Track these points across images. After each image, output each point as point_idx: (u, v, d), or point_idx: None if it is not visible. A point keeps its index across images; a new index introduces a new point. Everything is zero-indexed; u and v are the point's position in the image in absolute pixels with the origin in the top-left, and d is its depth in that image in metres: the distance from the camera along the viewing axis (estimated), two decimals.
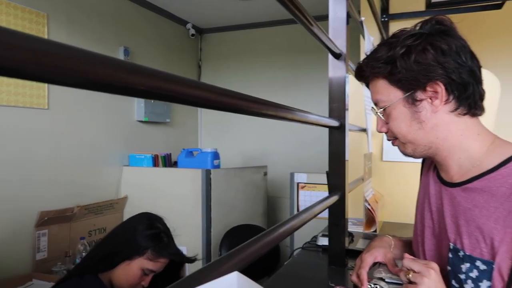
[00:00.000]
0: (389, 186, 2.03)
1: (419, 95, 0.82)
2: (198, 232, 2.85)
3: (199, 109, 4.34)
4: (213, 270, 0.52)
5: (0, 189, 2.29)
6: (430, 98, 0.81)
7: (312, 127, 1.14)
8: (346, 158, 1.22)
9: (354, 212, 1.81)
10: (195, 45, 4.33)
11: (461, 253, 0.79)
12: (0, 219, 2.28)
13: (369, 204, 1.60)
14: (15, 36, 0.24)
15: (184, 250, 2.94)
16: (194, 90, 0.47)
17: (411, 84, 0.82)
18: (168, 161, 3.30)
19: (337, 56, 1.22)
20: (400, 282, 1.04)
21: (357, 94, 1.79)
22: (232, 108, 0.61)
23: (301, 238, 1.85)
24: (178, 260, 1.32)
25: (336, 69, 1.23)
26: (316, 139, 3.58)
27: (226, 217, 2.99)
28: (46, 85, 2.57)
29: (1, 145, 2.31)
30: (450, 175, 0.87)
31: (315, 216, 0.96)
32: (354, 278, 0.97)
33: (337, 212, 1.21)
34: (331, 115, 1.22)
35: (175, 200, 2.92)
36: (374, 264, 0.98)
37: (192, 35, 4.11)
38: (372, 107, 0.95)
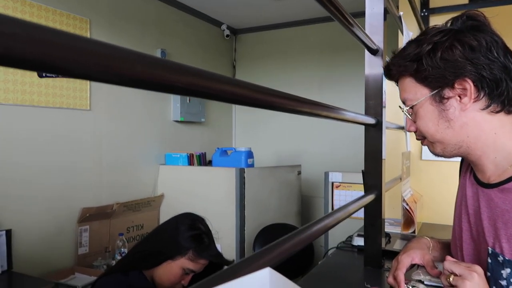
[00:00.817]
0: (429, 186, 1.96)
1: (447, 92, 0.80)
2: (232, 230, 2.87)
3: (233, 108, 4.38)
4: (245, 267, 0.52)
5: (45, 188, 2.41)
6: (459, 96, 0.79)
7: (347, 126, 1.12)
8: (383, 156, 1.18)
9: (391, 212, 1.76)
10: (229, 46, 4.37)
11: (500, 258, 0.76)
12: (45, 216, 2.40)
13: (407, 204, 1.55)
14: (64, 37, 0.25)
15: (218, 247, 2.98)
16: (230, 87, 0.47)
17: (438, 82, 0.80)
18: (203, 160, 3.35)
19: (374, 52, 1.19)
20: (440, 285, 1.00)
21: (394, 91, 1.75)
22: (268, 105, 0.61)
23: (335, 238, 1.82)
24: (218, 262, 1.34)
25: (373, 65, 1.21)
26: (351, 138, 3.52)
27: (260, 216, 3.00)
28: (88, 87, 2.68)
29: (46, 145, 2.43)
30: (486, 176, 0.84)
31: (350, 215, 0.94)
32: (390, 280, 0.94)
33: (373, 212, 1.18)
34: (367, 113, 1.20)
35: (210, 198, 2.96)
36: (412, 266, 0.95)
37: (227, 36, 4.15)
38: (400, 106, 0.93)
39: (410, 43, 0.85)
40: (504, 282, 0.74)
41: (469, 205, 0.88)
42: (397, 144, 1.91)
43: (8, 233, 2.13)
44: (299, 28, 4.06)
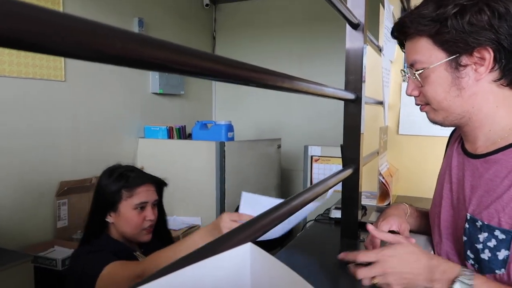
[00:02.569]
0: (405, 160, 2.01)
1: (464, 59, 0.76)
2: (212, 203, 2.90)
3: (213, 81, 4.33)
4: (226, 242, 0.53)
5: (21, 160, 2.35)
6: (475, 64, 0.76)
7: (327, 100, 1.12)
8: (362, 131, 1.20)
9: (368, 185, 1.81)
10: (209, 16, 4.26)
11: (479, 223, 0.78)
12: (22, 189, 2.36)
13: (383, 178, 1.59)
14: (31, 9, 0.23)
15: (198, 220, 3.01)
16: (206, 63, 0.46)
17: (458, 47, 0.76)
18: (182, 133, 3.33)
19: (355, 26, 1.18)
20: None
21: (374, 66, 1.75)
22: (245, 81, 0.60)
23: (314, 211, 1.86)
24: (154, 182, 1.38)
25: (353, 40, 1.20)
26: (331, 112, 3.54)
27: (240, 188, 3.01)
28: (62, 58, 2.58)
29: (21, 116, 2.36)
30: (475, 147, 0.85)
31: (329, 189, 0.96)
32: (369, 246, 0.97)
33: (351, 185, 1.20)
34: (347, 88, 1.20)
35: (190, 172, 2.96)
36: (390, 232, 0.98)
37: (206, 5, 4.05)
38: (403, 70, 0.91)
39: (428, 1, 0.79)
40: (480, 246, 0.77)
41: (453, 174, 0.90)
42: (375, 119, 1.94)
43: None
44: (281, 0, 3.99)
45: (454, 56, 0.77)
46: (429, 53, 0.79)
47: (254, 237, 0.58)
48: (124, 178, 1.31)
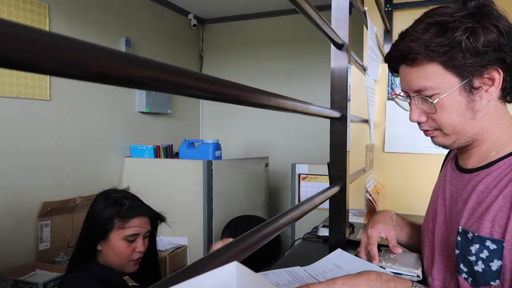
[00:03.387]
0: (391, 177, 2.03)
1: (476, 82, 0.75)
2: (200, 222, 2.86)
3: (200, 100, 4.34)
4: (212, 261, 0.52)
5: (4, 180, 2.30)
6: (485, 85, 0.76)
7: (313, 118, 1.14)
8: (348, 149, 1.21)
9: (355, 203, 1.82)
10: (197, 36, 4.31)
11: (470, 235, 0.78)
12: (4, 210, 2.30)
13: (370, 195, 1.60)
14: (17, 28, 0.23)
15: (185, 240, 2.97)
16: (196, 82, 0.47)
17: (471, 70, 0.74)
18: (169, 152, 3.31)
19: (340, 46, 1.21)
20: (401, 272, 1.04)
21: (359, 85, 1.79)
22: (232, 99, 0.60)
23: (302, 229, 1.85)
24: (150, 215, 1.33)
25: (338, 59, 1.22)
26: (318, 131, 3.58)
27: (227, 208, 3.00)
28: (48, 76, 2.57)
29: (4, 136, 2.32)
30: (468, 162, 0.86)
31: (316, 206, 0.96)
32: (363, 255, 0.97)
33: (338, 203, 1.20)
34: (332, 106, 1.22)
35: (177, 191, 2.93)
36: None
37: (194, 25, 4.09)
38: (401, 95, 0.88)
39: (429, 25, 0.76)
40: (473, 258, 0.77)
41: (446, 190, 0.91)
42: (361, 137, 1.96)
43: None
44: (268, 20, 4.06)
45: (467, 79, 0.75)
46: (441, 78, 0.76)
47: (241, 256, 0.58)
48: (119, 205, 1.26)
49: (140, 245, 1.27)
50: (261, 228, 0.69)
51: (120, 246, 1.24)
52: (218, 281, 0.39)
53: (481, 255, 0.76)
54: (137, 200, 1.34)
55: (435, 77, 0.76)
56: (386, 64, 2.16)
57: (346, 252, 1.07)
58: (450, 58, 0.74)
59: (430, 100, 0.78)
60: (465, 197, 0.83)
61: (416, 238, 1.11)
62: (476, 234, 0.77)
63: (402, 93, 0.88)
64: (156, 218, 1.37)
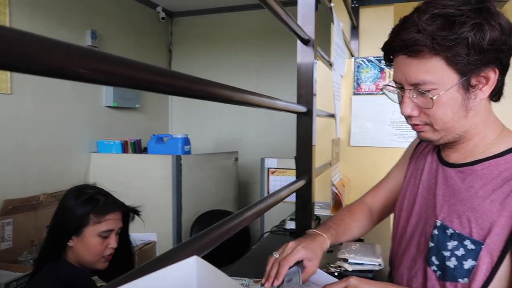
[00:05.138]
0: (356, 171, 2.08)
1: (473, 80, 0.74)
2: (169, 218, 2.84)
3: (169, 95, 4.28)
4: (175, 256, 0.52)
5: None
6: (480, 84, 0.75)
7: (283, 113, 1.15)
8: (313, 143, 1.23)
9: (321, 196, 1.86)
10: (165, 29, 4.24)
11: (449, 231, 0.79)
12: None
13: (336, 188, 1.64)
14: None
15: (154, 236, 2.93)
16: (162, 78, 0.46)
17: (471, 69, 0.72)
18: (138, 148, 3.26)
19: (306, 42, 1.22)
20: (364, 262, 1.08)
21: (326, 80, 1.82)
22: (198, 95, 0.60)
23: (272, 222, 1.88)
24: (124, 211, 1.32)
25: (304, 55, 1.24)
26: (287, 125, 3.61)
27: (197, 203, 2.99)
28: None
29: None
30: (452, 156, 0.86)
31: (281, 200, 0.98)
32: (271, 270, 0.89)
33: (304, 196, 1.23)
34: (299, 101, 1.23)
35: (145, 186, 2.89)
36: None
37: (162, 18, 4.02)
38: (389, 85, 0.84)
39: (435, 16, 0.72)
40: (447, 253, 0.78)
41: (424, 180, 0.91)
42: (327, 131, 2.00)
43: None
44: (237, 14, 4.04)
45: (466, 77, 0.73)
46: (442, 73, 0.73)
47: (204, 250, 0.58)
48: (94, 201, 1.24)
49: (113, 241, 1.26)
50: (224, 223, 0.70)
51: (94, 242, 1.23)
52: (178, 275, 0.39)
53: (456, 252, 0.77)
54: (111, 196, 1.33)
55: (436, 72, 0.73)
56: (353, 60, 2.20)
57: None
58: (454, 53, 0.71)
59: (430, 96, 0.75)
60: (446, 191, 0.84)
61: (357, 229, 1.10)
62: (457, 232, 0.78)
63: (391, 84, 0.85)
64: (128, 215, 1.36)
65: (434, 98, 0.74)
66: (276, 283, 0.87)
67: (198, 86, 0.60)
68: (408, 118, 0.83)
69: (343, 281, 0.80)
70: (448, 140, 0.82)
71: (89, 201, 1.23)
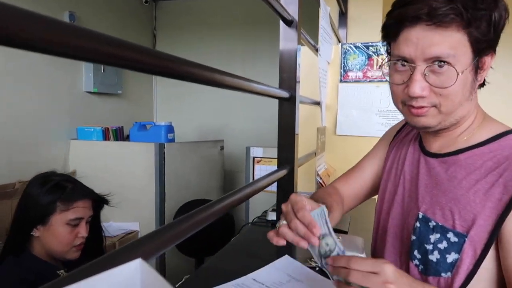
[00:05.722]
0: (342, 160, 2.03)
1: (480, 62, 0.72)
2: (151, 207, 2.78)
3: (154, 80, 4.17)
4: (131, 253, 0.46)
5: None
6: (483, 66, 0.73)
7: (268, 101, 1.09)
8: (296, 131, 1.18)
9: (306, 186, 1.81)
10: (149, 13, 4.11)
11: (432, 223, 0.76)
12: None
13: (320, 178, 1.59)
14: None
15: (136, 225, 2.87)
16: (117, 49, 0.41)
17: (484, 49, 0.70)
18: (119, 135, 3.16)
19: (289, 23, 1.16)
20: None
21: (311, 66, 1.75)
22: (176, 74, 0.57)
23: (256, 212, 1.83)
24: (93, 198, 1.28)
25: (287, 37, 1.18)
26: (274, 113, 3.52)
27: (180, 192, 2.92)
28: None
29: None
30: (434, 145, 0.82)
31: (260, 190, 0.92)
32: (301, 226, 0.68)
33: (286, 186, 1.18)
34: (281, 86, 1.17)
35: (127, 175, 2.82)
36: None
37: (146, 1, 3.90)
38: (406, 62, 0.72)
39: None
40: (429, 246, 0.75)
41: (406, 171, 0.87)
42: (312, 119, 1.94)
43: None
44: None
45: (478, 57, 0.70)
46: (462, 50, 0.68)
47: (171, 243, 0.52)
48: (61, 189, 1.19)
49: (83, 230, 1.22)
50: (196, 213, 0.64)
51: (62, 231, 1.18)
52: (119, 280, 0.33)
53: (439, 245, 0.74)
54: (79, 183, 1.29)
55: (459, 47, 0.68)
56: (340, 46, 2.13)
57: (296, 261, 1.00)
58: (479, 30, 0.67)
59: (456, 70, 0.68)
60: (428, 182, 0.80)
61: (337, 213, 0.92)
62: (439, 224, 0.74)
63: (386, 60, 0.78)
64: (99, 203, 1.32)
65: (461, 73, 0.68)
66: (316, 231, 0.67)
67: (176, 65, 0.56)
68: (412, 100, 0.73)
69: (375, 263, 0.62)
70: (445, 126, 0.75)
71: (55, 188, 1.18)
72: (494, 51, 0.73)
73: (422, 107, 0.72)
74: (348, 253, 0.99)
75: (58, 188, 1.19)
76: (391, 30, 0.74)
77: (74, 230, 1.20)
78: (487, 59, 0.73)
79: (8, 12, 0.26)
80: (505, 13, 0.70)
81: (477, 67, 0.71)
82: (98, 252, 1.37)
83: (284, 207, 0.74)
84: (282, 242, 0.71)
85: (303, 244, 0.69)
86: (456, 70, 0.68)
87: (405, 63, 0.72)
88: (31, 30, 0.28)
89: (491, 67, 0.75)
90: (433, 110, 0.73)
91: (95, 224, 1.32)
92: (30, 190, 1.20)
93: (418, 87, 0.70)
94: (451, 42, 0.67)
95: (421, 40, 0.69)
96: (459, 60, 0.68)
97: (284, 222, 0.72)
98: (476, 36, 0.67)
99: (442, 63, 0.68)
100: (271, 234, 0.73)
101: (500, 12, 0.68)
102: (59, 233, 1.18)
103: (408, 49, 0.70)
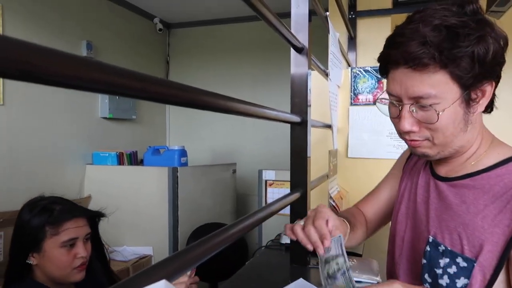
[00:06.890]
0: (354, 182, 2.03)
1: (473, 94, 0.72)
2: (165, 231, 2.78)
3: (167, 105, 4.26)
4: (143, 280, 0.48)
5: None
6: (478, 97, 0.73)
7: (280, 124, 1.11)
8: (308, 154, 1.19)
9: None
10: (163, 40, 4.23)
11: (441, 247, 0.76)
12: None
13: (333, 201, 1.59)
14: None
15: (150, 250, 2.87)
16: (134, 82, 0.44)
17: (473, 82, 0.70)
18: (134, 159, 3.21)
19: (299, 50, 1.19)
20: (362, 280, 1.03)
21: (322, 90, 1.78)
22: (188, 103, 0.58)
23: (270, 235, 1.82)
24: (86, 216, 1.24)
25: (298, 63, 1.21)
26: (286, 136, 3.56)
27: (193, 215, 2.93)
28: (0, 80, 2.44)
29: None
30: (444, 169, 0.83)
31: (273, 214, 0.93)
32: (313, 233, 0.78)
33: (299, 209, 1.18)
34: (293, 111, 1.20)
35: (141, 199, 2.84)
36: None
37: (160, 29, 4.02)
38: (381, 99, 0.80)
39: (438, 28, 0.68)
40: (439, 271, 0.75)
41: (418, 194, 0.88)
42: (324, 142, 1.96)
43: None
44: (234, 25, 4.04)
45: (468, 91, 0.71)
46: (445, 87, 0.70)
47: (180, 270, 0.54)
48: (48, 212, 1.15)
49: (81, 250, 1.17)
50: (206, 241, 0.65)
51: (58, 255, 1.14)
52: None
53: (449, 270, 0.74)
54: (69, 203, 1.24)
55: (440, 85, 0.69)
56: (349, 70, 2.17)
57: (311, 284, 1.01)
58: (460, 67, 0.68)
59: (437, 111, 0.70)
60: (437, 205, 0.81)
61: (360, 232, 1.00)
62: (448, 249, 0.75)
63: (382, 97, 0.81)
64: (95, 219, 1.28)
65: (441, 113, 0.70)
66: (327, 243, 0.76)
67: (189, 94, 0.58)
68: (405, 134, 0.77)
69: (386, 284, 0.70)
70: (444, 155, 0.78)
71: (42, 213, 1.15)
72: (494, 78, 0.73)
73: (414, 140, 0.77)
74: (363, 277, 0.99)
75: (44, 212, 1.15)
76: (381, 69, 0.79)
77: (71, 251, 1.16)
78: (487, 88, 0.73)
79: (31, 49, 0.28)
80: (498, 45, 0.69)
81: (469, 99, 0.72)
82: (105, 270, 1.33)
83: (309, 212, 0.83)
84: (292, 237, 0.82)
85: (309, 246, 0.78)
86: (435, 110, 0.70)
87: (394, 101, 0.76)
88: (51, 66, 0.31)
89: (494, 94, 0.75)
90: (426, 142, 0.76)
91: (95, 241, 1.28)
92: (20, 218, 1.17)
93: (407, 123, 0.74)
94: (431, 83, 0.70)
95: (404, 81, 0.72)
96: (443, 97, 0.70)
97: (302, 222, 0.81)
98: (458, 74, 0.68)
99: (424, 101, 0.71)
100: (287, 226, 0.84)
101: (487, 46, 0.68)
102: (55, 257, 1.14)
103: (395, 88, 0.75)
